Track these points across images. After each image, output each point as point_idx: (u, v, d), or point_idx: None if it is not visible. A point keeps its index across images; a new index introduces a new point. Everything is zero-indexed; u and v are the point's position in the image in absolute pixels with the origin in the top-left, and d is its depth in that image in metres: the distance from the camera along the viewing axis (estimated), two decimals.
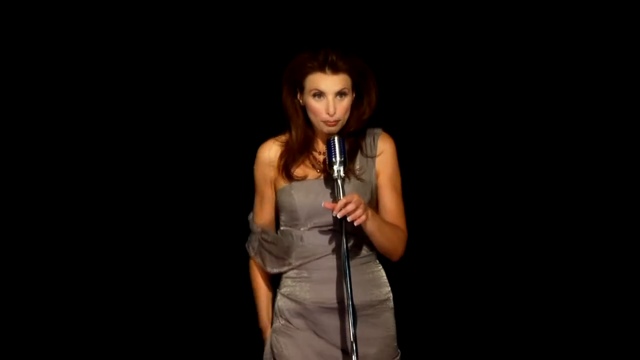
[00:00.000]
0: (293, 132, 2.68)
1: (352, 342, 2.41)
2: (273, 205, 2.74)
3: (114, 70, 4.38)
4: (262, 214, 2.77)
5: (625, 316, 4.33)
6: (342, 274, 2.52)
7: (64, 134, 4.43)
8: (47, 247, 4.47)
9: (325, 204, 2.52)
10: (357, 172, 2.64)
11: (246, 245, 2.82)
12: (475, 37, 4.30)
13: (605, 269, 4.37)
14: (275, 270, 2.71)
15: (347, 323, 2.45)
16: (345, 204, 2.46)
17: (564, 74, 4.34)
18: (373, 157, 2.63)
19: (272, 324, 2.75)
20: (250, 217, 2.83)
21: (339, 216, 2.45)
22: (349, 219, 2.46)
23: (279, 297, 2.71)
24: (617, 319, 4.34)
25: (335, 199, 2.54)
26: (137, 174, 4.48)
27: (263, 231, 2.74)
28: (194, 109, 4.47)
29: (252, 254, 2.81)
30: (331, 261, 2.63)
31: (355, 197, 2.48)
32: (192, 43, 4.37)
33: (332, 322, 2.61)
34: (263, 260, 2.78)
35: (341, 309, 2.60)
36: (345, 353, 2.58)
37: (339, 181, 2.51)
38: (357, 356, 2.41)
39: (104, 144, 4.44)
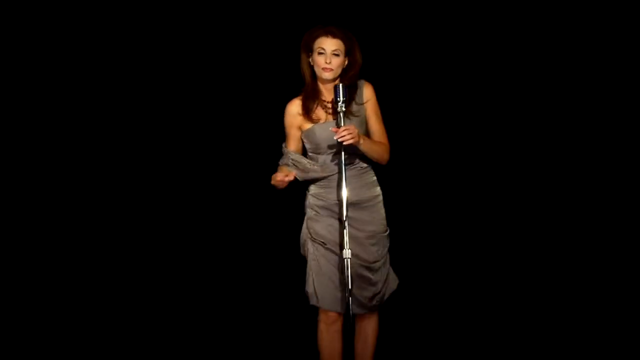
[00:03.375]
0: (307, 85, 3.81)
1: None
2: (298, 140, 3.85)
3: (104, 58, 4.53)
4: (291, 146, 3.86)
5: (625, 316, 4.40)
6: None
7: (64, 134, 4.55)
8: (46, 246, 4.57)
9: (332, 129, 3.66)
10: (354, 113, 3.77)
11: (279, 161, 3.87)
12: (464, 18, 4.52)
13: (601, 268, 4.48)
14: (301, 177, 3.81)
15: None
16: (343, 131, 3.60)
17: (556, 67, 4.49)
18: (362, 103, 3.80)
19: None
20: (283, 146, 3.90)
21: (338, 140, 3.61)
22: (340, 140, 3.61)
23: (308, 196, 3.85)
24: (616, 318, 4.41)
25: (339, 126, 3.66)
26: (136, 173, 4.61)
27: (293, 153, 3.85)
28: (191, 114, 4.67)
29: (281, 163, 3.89)
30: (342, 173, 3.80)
31: (351, 128, 3.63)
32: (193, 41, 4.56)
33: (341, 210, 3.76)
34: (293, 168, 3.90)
35: (346, 203, 3.75)
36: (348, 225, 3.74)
37: (341, 114, 3.65)
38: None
39: (101, 140, 4.58)
